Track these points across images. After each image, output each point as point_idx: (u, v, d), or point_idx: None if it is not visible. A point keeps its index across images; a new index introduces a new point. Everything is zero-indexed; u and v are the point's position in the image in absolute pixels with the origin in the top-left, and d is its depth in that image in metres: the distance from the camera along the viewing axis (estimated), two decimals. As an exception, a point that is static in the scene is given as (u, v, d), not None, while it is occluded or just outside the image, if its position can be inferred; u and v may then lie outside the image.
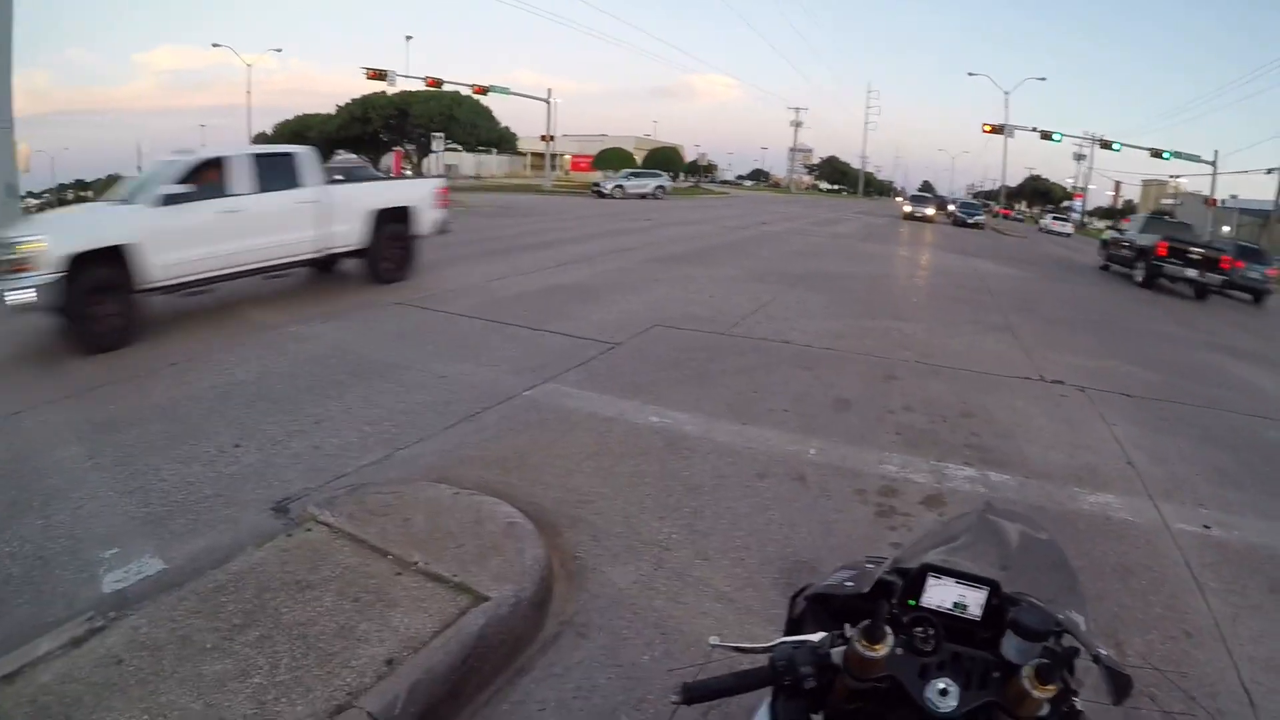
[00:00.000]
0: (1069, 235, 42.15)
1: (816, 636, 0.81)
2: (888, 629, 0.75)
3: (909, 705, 0.75)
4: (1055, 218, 46.74)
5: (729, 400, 4.97)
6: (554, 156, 45.37)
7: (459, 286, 8.18)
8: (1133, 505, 4.00)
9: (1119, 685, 0.81)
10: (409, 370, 5.04)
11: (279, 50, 52.54)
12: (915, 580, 0.85)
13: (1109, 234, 20.75)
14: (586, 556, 2.93)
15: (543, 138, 39.04)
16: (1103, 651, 0.82)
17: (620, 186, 35.24)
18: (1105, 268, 18.75)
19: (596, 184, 36.63)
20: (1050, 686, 0.70)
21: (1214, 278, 14.44)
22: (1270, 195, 35.52)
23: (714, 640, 0.88)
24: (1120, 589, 3.19)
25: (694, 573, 2.89)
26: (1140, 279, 15.57)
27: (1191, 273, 14.42)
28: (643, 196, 34.85)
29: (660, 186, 36.82)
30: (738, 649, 0.86)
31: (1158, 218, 18.66)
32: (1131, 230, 17.55)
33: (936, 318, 8.88)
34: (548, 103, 35.96)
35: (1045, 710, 0.74)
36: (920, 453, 4.39)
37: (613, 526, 3.17)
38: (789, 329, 7.16)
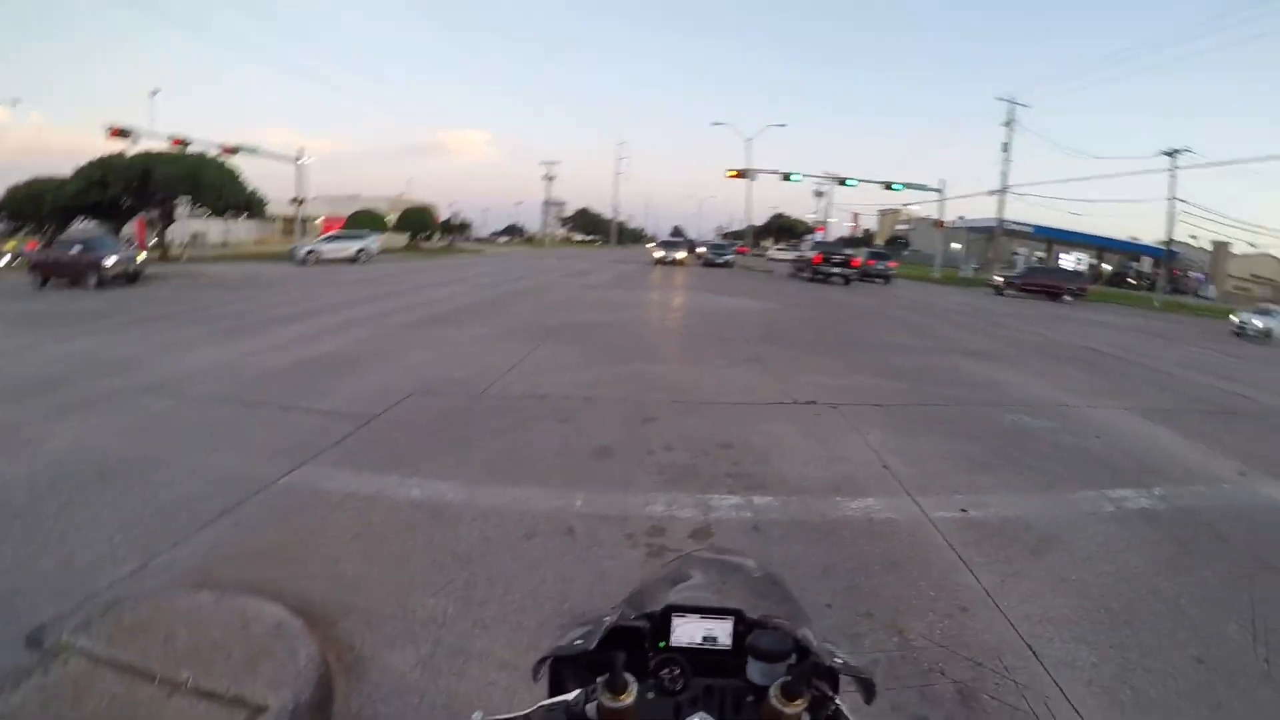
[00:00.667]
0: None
1: (572, 695, 1.07)
2: (630, 678, 0.98)
3: None
4: (779, 248, 66.43)
5: (490, 463, 6.22)
6: (305, 220, 55.76)
7: (207, 367, 9.71)
8: (893, 504, 5.69)
9: (864, 687, 1.15)
10: (159, 466, 5.97)
11: (15, 103, 50.66)
12: (661, 622, 1.17)
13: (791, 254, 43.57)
14: (363, 646, 3.57)
15: (293, 201, 47.81)
16: (839, 660, 1.13)
17: (314, 252, 40.31)
18: (793, 275, 39.76)
19: (292, 250, 42.00)
20: (799, 701, 0.97)
21: (852, 272, 38.64)
22: (993, 214, 56.87)
23: (477, 716, 1.11)
24: (893, 581, 4.43)
25: (474, 645, 3.63)
26: (807, 278, 38.25)
27: (836, 270, 37.93)
28: (350, 260, 40.67)
29: (363, 249, 42.64)
30: None
31: (821, 240, 40.45)
32: (804, 249, 39.53)
33: (689, 357, 11.83)
34: (297, 163, 45.68)
35: None
36: (684, 489, 5.83)
37: (386, 610, 3.89)
38: (545, 383, 9.18)
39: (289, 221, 60.15)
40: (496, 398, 8.50)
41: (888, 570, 4.65)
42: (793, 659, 1.11)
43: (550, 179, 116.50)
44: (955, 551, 4.99)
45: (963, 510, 5.73)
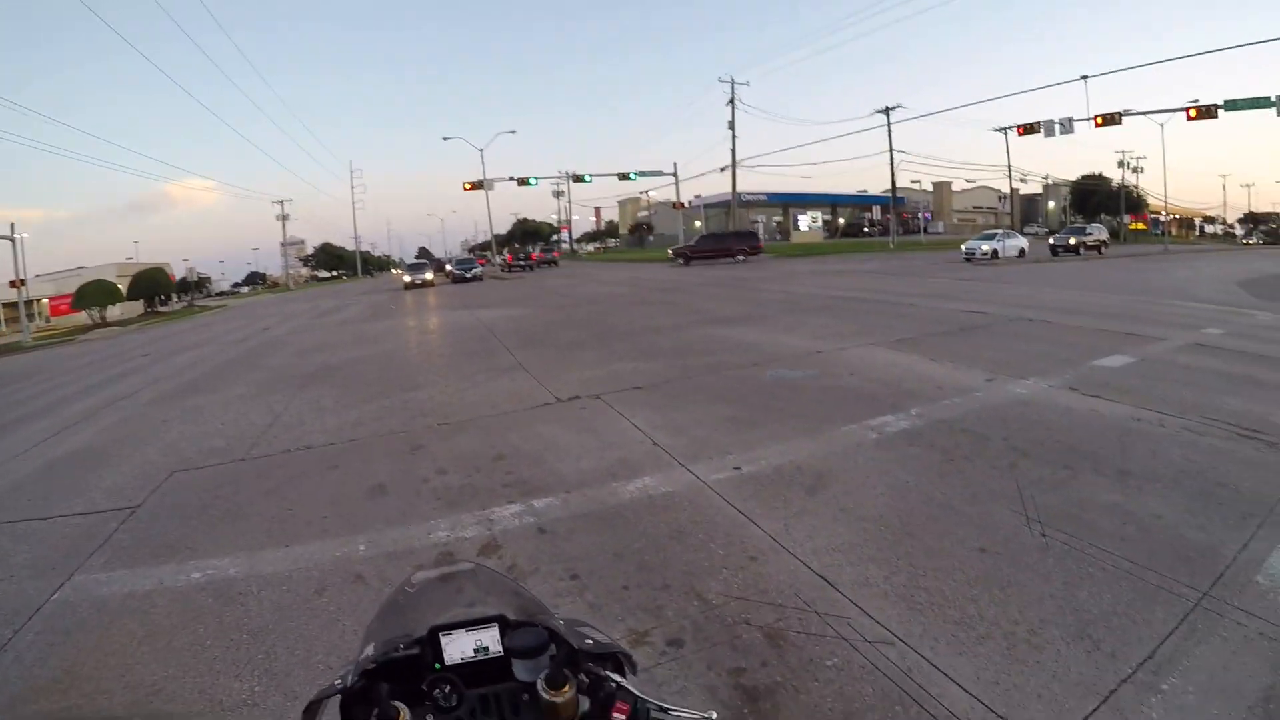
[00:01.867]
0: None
1: None
2: (399, 707, 1.05)
3: None
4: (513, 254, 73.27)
5: (266, 527, 5.93)
6: (30, 303, 52.59)
7: None
8: (669, 478, 5.90)
9: (618, 662, 1.20)
10: None
11: None
12: (431, 644, 1.21)
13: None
14: None
15: (13, 283, 44.30)
16: (589, 641, 1.19)
17: None
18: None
19: None
20: (565, 689, 1.06)
21: (530, 264, 63.70)
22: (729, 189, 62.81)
23: None
24: (683, 550, 4.56)
25: (288, 717, 3.44)
26: (504, 273, 57.63)
27: (521, 264, 62.34)
28: None
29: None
30: None
31: (511, 242, 50.07)
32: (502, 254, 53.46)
33: (451, 376, 11.75)
34: (13, 240, 42.42)
35: (585, 705, 1.11)
36: (464, 509, 5.79)
37: (193, 707, 3.70)
38: (309, 433, 8.88)
39: (10, 307, 57.04)
40: (261, 458, 8.18)
41: (675, 541, 4.78)
42: (552, 649, 1.19)
43: (285, 218, 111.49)
44: (736, 508, 5.22)
45: (736, 468, 6.03)
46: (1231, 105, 36.04)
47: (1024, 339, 11.56)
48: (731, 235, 53.13)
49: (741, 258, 48.49)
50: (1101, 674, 3.23)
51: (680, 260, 50.67)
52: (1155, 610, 3.72)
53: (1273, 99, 34.08)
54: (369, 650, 1.26)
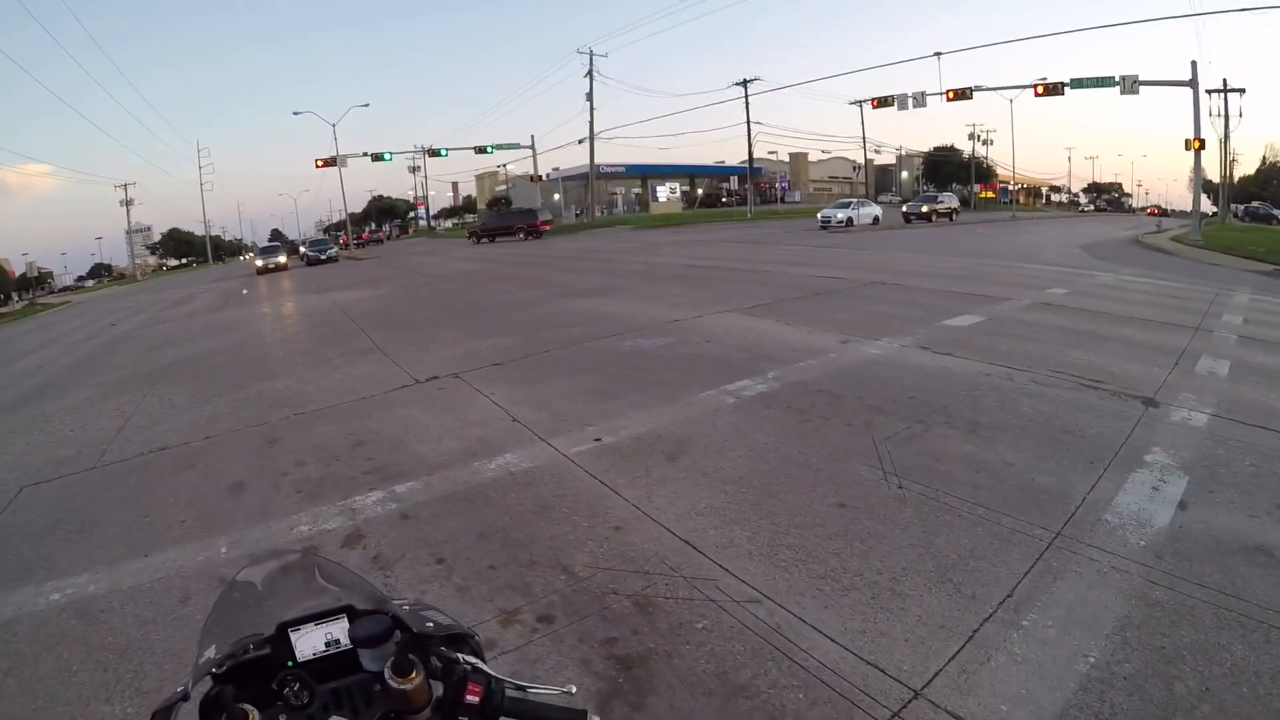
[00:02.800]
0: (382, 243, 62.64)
1: None
2: (245, 708, 1.02)
3: None
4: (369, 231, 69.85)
5: (123, 538, 5.63)
6: None
7: None
8: (530, 453, 5.87)
9: (467, 643, 1.20)
10: None
11: None
12: (280, 641, 1.18)
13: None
14: None
15: None
16: (430, 624, 1.19)
17: None
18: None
19: None
20: (412, 675, 1.04)
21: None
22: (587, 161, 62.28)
23: None
24: (547, 524, 4.54)
25: None
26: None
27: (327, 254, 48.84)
28: None
29: None
30: None
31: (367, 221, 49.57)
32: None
33: (307, 363, 11.41)
34: None
35: (440, 690, 1.10)
36: (326, 500, 5.62)
37: None
38: (162, 433, 8.46)
39: None
40: (114, 464, 7.77)
41: (539, 516, 4.76)
42: (398, 637, 1.16)
43: (129, 203, 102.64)
44: (598, 479, 5.24)
45: (597, 440, 6.05)
46: (1078, 84, 37.91)
47: (877, 302, 12.00)
48: (516, 214, 57.79)
49: (522, 235, 52.16)
50: (964, 615, 3.37)
51: (473, 239, 54.94)
52: (1011, 552, 3.91)
53: (1116, 78, 36.10)
54: (210, 652, 1.21)
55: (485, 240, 53.02)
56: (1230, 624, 3.25)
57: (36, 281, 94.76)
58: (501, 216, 56.71)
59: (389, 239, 68.85)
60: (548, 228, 53.89)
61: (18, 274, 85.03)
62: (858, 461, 5.19)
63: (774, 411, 6.39)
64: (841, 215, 39.87)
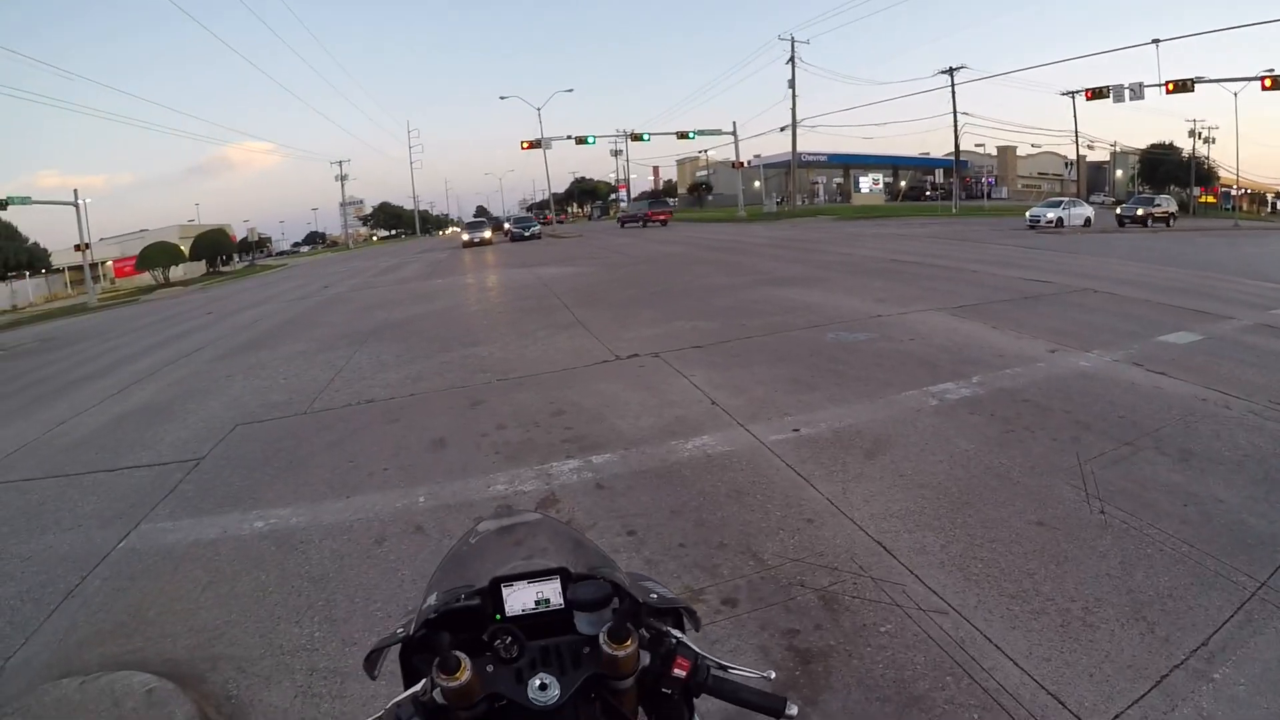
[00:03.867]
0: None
1: (419, 685, 1.10)
2: (460, 656, 1.04)
3: (525, 711, 1.06)
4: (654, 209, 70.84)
5: (327, 479, 6.13)
6: (95, 266, 54.28)
7: (17, 446, 9.04)
8: (727, 437, 5.94)
9: (686, 616, 1.22)
10: None
11: None
12: (492, 595, 1.21)
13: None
14: (239, 692, 3.56)
15: (77, 247, 45.86)
16: (654, 596, 1.19)
17: None
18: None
19: None
20: (627, 642, 1.04)
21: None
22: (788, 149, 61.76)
23: None
24: (740, 509, 4.60)
25: (347, 663, 3.63)
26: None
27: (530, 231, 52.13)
28: None
29: None
30: None
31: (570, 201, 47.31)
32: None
33: (510, 333, 11.92)
34: (76, 206, 44.43)
35: (646, 660, 1.11)
36: (524, 463, 5.89)
37: (254, 651, 3.86)
38: (369, 387, 9.12)
39: (77, 270, 58.02)
40: (322, 412, 8.39)
41: (733, 500, 4.82)
42: (615, 603, 1.17)
43: (344, 178, 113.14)
44: (794, 470, 5.25)
45: (795, 430, 6.06)
46: None
47: (1088, 310, 11.31)
48: (652, 201, 62.83)
49: (641, 224, 56.54)
50: (1154, 657, 3.20)
51: (620, 224, 59.86)
52: (1211, 597, 3.66)
53: None
54: (431, 600, 1.27)
55: (626, 225, 56.58)
56: None
57: (256, 245, 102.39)
58: (640, 205, 60.52)
59: (591, 219, 70.62)
60: (663, 217, 56.36)
61: (239, 238, 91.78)
62: (1060, 479, 4.96)
63: (977, 418, 6.19)
64: (1051, 215, 37.59)
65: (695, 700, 1.19)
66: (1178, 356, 8.24)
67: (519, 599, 1.22)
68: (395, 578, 4.41)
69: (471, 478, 5.75)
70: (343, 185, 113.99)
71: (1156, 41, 40.31)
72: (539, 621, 1.20)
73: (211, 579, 4.75)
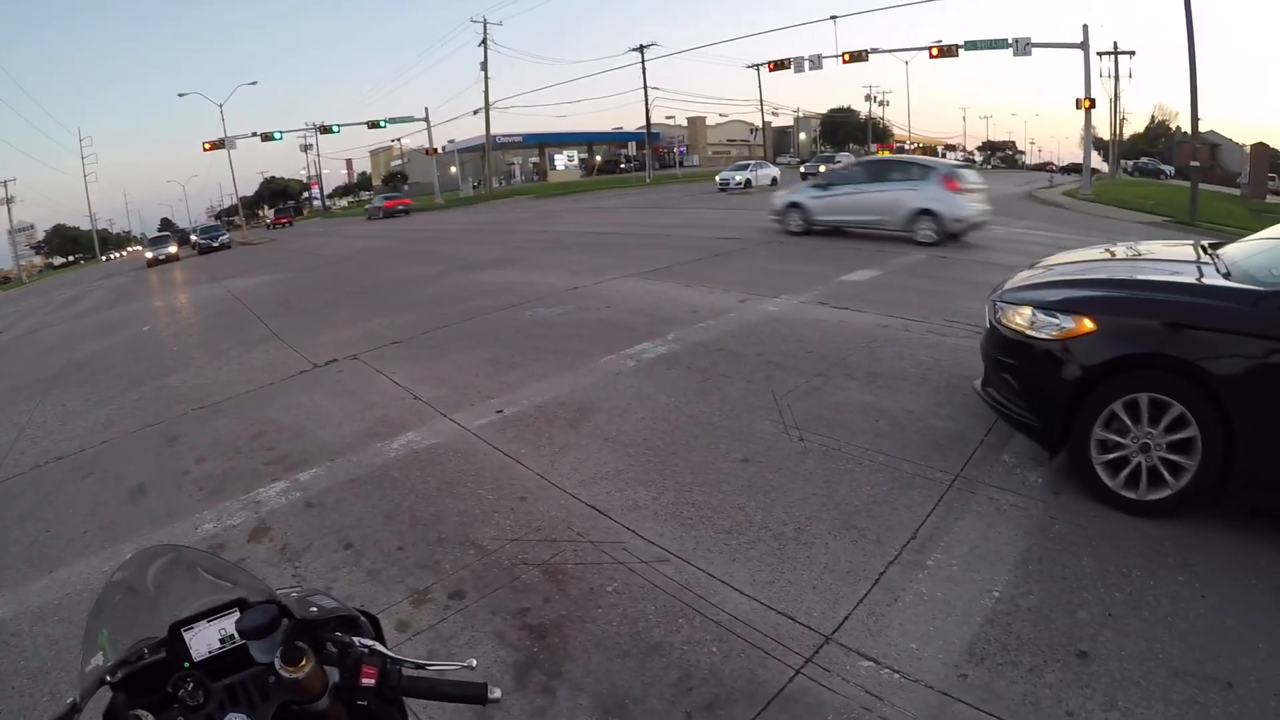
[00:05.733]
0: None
1: None
2: (137, 714, 1.01)
3: None
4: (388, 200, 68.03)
5: (25, 556, 5.42)
6: None
7: None
8: (432, 430, 5.83)
9: (358, 624, 1.20)
10: None
11: None
12: (173, 644, 1.14)
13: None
14: None
15: None
16: (314, 609, 1.16)
17: None
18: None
19: None
20: (303, 662, 1.02)
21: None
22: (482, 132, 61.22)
23: None
24: (453, 501, 4.51)
25: None
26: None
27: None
28: None
29: None
30: None
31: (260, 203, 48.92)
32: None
33: (203, 355, 11.16)
34: None
35: (336, 676, 1.09)
36: (229, 495, 5.48)
37: None
38: (58, 442, 8.14)
39: None
40: (10, 480, 7.46)
41: (445, 493, 4.73)
42: (285, 624, 1.12)
43: (9, 201, 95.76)
44: (501, 451, 5.24)
45: (499, 411, 6.06)
46: (972, 45, 38.53)
47: (776, 259, 12.15)
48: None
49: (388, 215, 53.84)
50: (869, 559, 3.46)
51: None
52: (913, 495, 4.03)
53: (1009, 40, 36.96)
54: (97, 659, 1.17)
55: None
56: (1130, 550, 3.41)
57: None
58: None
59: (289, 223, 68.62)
60: (405, 204, 55.08)
61: None
62: (759, 417, 5.26)
63: (675, 373, 6.44)
64: (740, 177, 40.05)
65: (405, 703, 1.18)
66: (860, 292, 9.03)
67: (203, 640, 1.15)
68: None
69: (177, 522, 5.33)
70: (9, 209, 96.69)
71: (834, 17, 43.75)
72: (224, 661, 1.14)
73: None
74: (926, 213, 13.72)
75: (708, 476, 4.45)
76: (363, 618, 1.21)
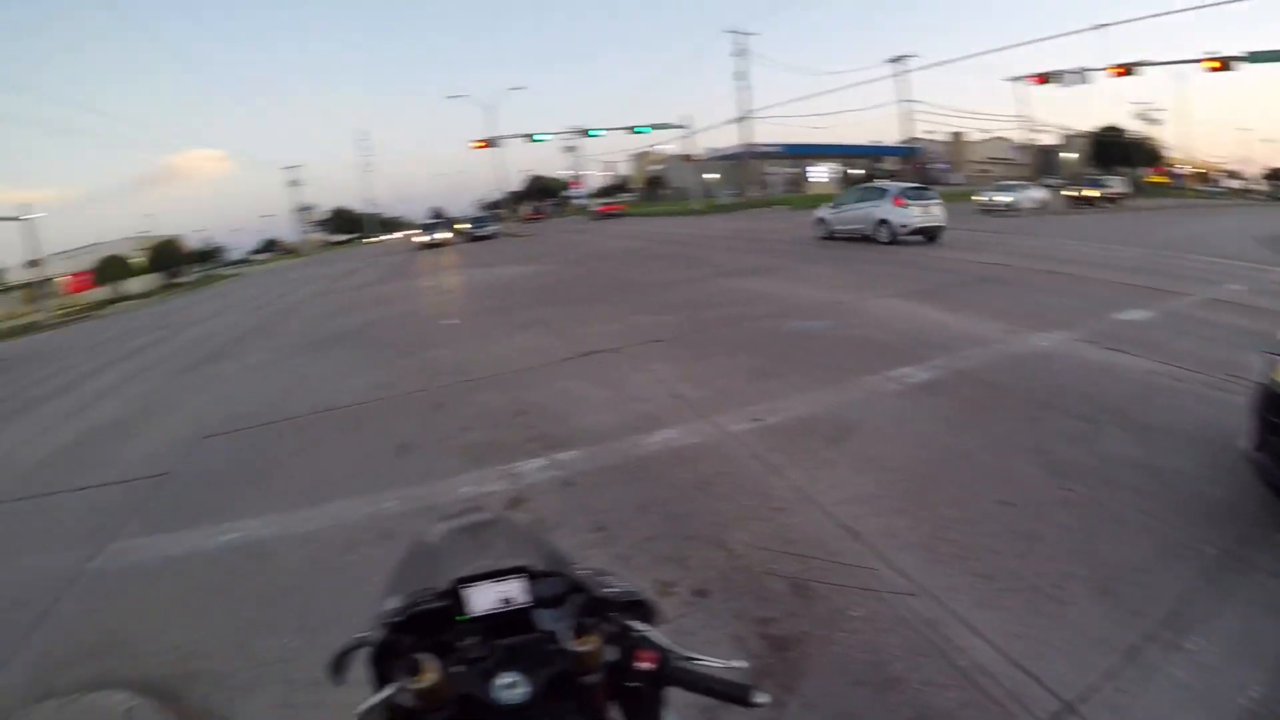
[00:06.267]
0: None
1: (390, 688, 1.10)
2: (423, 657, 1.04)
3: (494, 711, 1.07)
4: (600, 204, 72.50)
5: (294, 488, 6.09)
6: (47, 282, 54.80)
7: None
8: (692, 429, 5.95)
9: (642, 609, 1.21)
10: None
11: None
12: (453, 596, 1.20)
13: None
14: (218, 706, 3.55)
15: (29, 264, 47.86)
16: (609, 589, 1.20)
17: None
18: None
19: None
20: (591, 638, 1.06)
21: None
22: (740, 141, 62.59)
23: None
24: (708, 501, 4.61)
25: (323, 672, 3.58)
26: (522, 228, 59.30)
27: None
28: None
29: None
30: None
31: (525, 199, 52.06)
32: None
33: (471, 333, 11.92)
34: (25, 221, 45.44)
35: (613, 655, 1.11)
36: (489, 464, 5.86)
37: (230, 665, 3.85)
38: (332, 394, 9.05)
39: (31, 287, 58.83)
40: (287, 421, 8.34)
41: (701, 492, 4.83)
42: (577, 600, 1.19)
43: (296, 184, 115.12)
44: (760, 459, 5.26)
45: (758, 419, 6.07)
46: (1256, 58, 34.09)
47: (1044, 291, 11.48)
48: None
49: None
50: (1124, 630, 3.23)
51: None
52: (1177, 567, 3.71)
53: None
54: (392, 603, 1.27)
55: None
56: None
57: (211, 255, 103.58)
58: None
59: (546, 218, 73.31)
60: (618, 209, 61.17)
61: (193, 248, 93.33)
62: (1023, 459, 5.02)
63: (938, 400, 6.26)
64: (1003, 199, 38.05)
65: (665, 692, 1.18)
66: (1134, 334, 8.39)
67: (481, 599, 1.21)
68: (368, 584, 4.30)
69: (438, 481, 5.72)
70: (295, 191, 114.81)
71: (1102, 26, 40.85)
72: (502, 621, 1.19)
73: (184, 594, 4.74)
74: (884, 222, 20.81)
75: (966, 514, 4.31)
76: (644, 602, 1.24)
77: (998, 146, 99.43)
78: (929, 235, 20.81)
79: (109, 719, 3.51)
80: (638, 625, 1.17)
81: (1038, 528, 4.12)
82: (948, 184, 72.32)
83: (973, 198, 39.48)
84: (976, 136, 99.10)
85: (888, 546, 3.98)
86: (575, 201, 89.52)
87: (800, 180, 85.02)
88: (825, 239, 23.10)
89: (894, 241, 20.22)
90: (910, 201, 20.68)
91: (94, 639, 4.45)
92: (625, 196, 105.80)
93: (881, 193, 21.74)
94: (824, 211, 24.05)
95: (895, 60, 56.98)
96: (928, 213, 20.69)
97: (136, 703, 3.58)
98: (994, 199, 37.95)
